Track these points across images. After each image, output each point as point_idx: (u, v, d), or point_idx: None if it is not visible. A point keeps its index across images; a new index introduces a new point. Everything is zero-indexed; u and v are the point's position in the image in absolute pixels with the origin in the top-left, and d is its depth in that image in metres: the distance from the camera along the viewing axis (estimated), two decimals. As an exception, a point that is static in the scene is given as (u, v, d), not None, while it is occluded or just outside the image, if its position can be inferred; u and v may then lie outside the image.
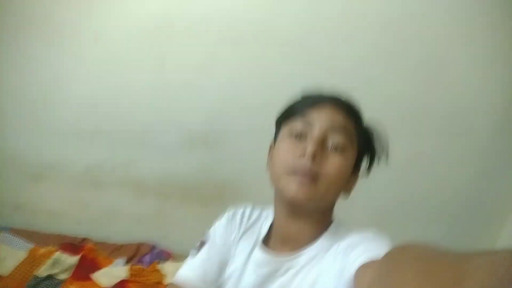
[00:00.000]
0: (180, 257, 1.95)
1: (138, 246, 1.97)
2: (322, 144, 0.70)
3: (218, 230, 0.86)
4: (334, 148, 0.70)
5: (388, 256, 0.47)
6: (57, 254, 1.81)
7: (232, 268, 0.81)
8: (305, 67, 1.85)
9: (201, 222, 2.01)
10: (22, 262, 1.77)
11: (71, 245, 1.90)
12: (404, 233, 1.95)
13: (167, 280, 1.80)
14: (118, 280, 1.75)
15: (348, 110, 0.74)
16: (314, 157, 0.68)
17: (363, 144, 0.76)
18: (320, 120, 0.71)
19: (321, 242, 0.73)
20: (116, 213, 2.01)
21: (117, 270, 1.81)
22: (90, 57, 1.76)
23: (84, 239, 1.96)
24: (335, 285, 0.63)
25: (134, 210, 2.01)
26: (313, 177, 0.69)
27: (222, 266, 0.82)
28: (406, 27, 1.81)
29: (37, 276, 1.69)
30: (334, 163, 0.70)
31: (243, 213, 0.87)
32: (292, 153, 0.71)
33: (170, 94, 1.84)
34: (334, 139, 0.70)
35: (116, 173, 1.93)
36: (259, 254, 0.78)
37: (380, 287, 0.43)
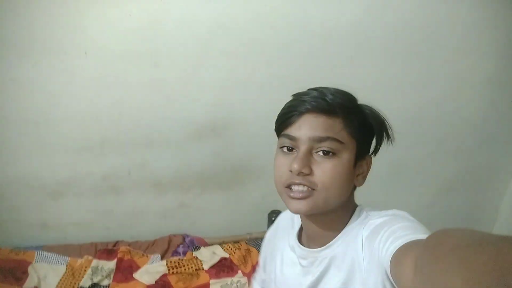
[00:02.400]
0: (212, 241, 2.03)
1: (170, 239, 2.01)
2: (308, 155, 0.71)
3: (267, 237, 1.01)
4: (323, 154, 0.71)
5: (428, 245, 0.45)
6: (95, 261, 1.86)
7: (277, 261, 0.92)
8: (302, 45, 1.83)
9: (225, 206, 2.11)
10: (64, 276, 1.82)
11: (106, 251, 1.93)
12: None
13: (205, 266, 1.88)
14: (159, 275, 1.82)
15: (333, 109, 0.72)
16: (301, 173, 0.70)
17: (363, 132, 0.76)
18: (302, 134, 0.72)
19: (346, 233, 0.76)
20: (141, 213, 2.05)
21: (156, 266, 1.86)
22: (82, 71, 1.71)
23: (116, 243, 2.00)
24: (373, 271, 0.65)
25: (157, 206, 2.04)
26: (307, 190, 0.71)
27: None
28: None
29: (82, 287, 1.76)
30: (326, 170, 0.71)
31: (279, 218, 1.01)
32: (284, 168, 0.73)
33: (169, 91, 1.83)
34: (321, 147, 0.71)
35: (133, 176, 1.95)
36: (298, 249, 0.85)
37: (424, 282, 0.41)
